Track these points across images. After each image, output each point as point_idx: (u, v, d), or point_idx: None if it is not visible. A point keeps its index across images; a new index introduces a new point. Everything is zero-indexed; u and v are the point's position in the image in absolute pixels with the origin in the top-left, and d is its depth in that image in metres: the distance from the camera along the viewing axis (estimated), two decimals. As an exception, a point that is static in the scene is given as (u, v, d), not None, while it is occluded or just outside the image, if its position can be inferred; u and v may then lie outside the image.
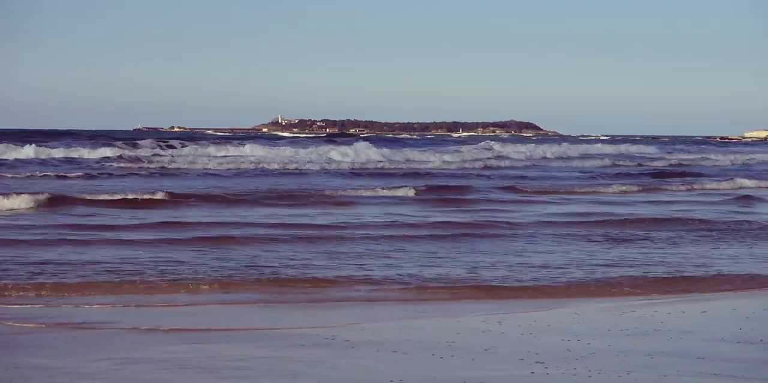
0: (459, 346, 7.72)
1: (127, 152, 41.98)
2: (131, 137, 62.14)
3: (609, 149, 61.12)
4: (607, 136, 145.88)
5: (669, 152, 61.78)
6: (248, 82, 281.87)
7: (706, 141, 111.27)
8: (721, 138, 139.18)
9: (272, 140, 65.92)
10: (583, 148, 59.25)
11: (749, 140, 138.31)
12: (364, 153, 44.86)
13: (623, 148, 61.92)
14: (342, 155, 43.53)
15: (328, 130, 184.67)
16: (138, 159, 38.94)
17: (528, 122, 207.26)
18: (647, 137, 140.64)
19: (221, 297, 10.38)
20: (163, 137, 62.39)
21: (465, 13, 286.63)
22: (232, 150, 45.49)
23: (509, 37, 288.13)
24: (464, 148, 54.91)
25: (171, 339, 8.08)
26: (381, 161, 42.09)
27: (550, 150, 54.97)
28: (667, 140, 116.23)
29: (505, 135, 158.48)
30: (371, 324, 8.89)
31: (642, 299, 10.48)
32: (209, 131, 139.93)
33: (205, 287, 10.77)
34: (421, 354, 7.42)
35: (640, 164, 46.73)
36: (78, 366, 6.98)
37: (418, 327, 8.66)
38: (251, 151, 45.10)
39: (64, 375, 6.75)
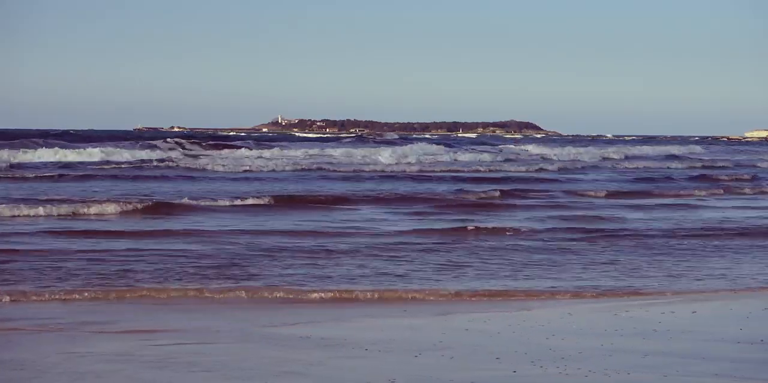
0: (447, 345, 7.61)
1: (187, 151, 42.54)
2: (150, 137, 61.94)
3: (649, 149, 60.08)
4: (609, 136, 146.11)
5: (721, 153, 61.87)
6: (248, 82, 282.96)
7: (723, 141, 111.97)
8: (721, 138, 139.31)
9: (297, 141, 65.46)
10: (635, 150, 58.16)
11: (749, 140, 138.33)
12: (435, 155, 46.39)
13: (669, 149, 61.20)
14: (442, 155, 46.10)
15: (328, 130, 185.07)
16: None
17: (528, 122, 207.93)
18: (648, 136, 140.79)
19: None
20: (165, 136, 61.98)
21: (465, 13, 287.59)
22: (318, 152, 45.77)
23: (509, 37, 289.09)
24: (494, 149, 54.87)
25: (154, 337, 8.00)
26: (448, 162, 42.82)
27: (592, 152, 54.18)
28: (672, 140, 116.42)
29: (511, 135, 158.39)
30: (360, 323, 8.81)
31: (639, 299, 10.38)
32: (230, 132, 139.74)
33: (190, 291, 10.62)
34: (410, 354, 7.30)
35: (704, 166, 45.33)
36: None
37: (408, 327, 8.56)
38: (337, 153, 45.59)
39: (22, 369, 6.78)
